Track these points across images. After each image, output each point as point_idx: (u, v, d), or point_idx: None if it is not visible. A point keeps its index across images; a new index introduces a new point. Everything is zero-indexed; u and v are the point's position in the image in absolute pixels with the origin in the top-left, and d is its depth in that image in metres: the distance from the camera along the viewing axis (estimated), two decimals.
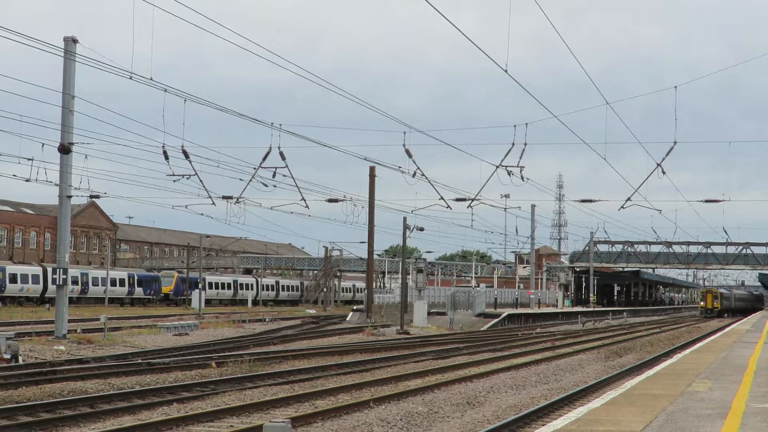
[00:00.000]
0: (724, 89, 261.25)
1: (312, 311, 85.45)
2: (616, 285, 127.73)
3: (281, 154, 33.40)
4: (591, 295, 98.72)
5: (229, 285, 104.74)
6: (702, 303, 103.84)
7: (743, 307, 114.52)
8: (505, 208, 63.10)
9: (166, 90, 28.75)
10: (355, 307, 69.15)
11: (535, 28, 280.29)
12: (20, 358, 26.18)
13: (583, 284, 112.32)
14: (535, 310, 78.81)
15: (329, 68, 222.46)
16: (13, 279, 77.12)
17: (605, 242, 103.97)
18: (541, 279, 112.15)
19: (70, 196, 37.43)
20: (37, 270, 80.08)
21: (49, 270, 72.15)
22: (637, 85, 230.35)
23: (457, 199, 42.23)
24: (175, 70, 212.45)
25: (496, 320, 61.01)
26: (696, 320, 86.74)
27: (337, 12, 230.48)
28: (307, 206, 38.29)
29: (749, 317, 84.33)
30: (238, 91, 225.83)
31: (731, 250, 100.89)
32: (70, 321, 39.17)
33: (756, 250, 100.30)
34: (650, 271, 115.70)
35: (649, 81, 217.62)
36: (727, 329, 50.72)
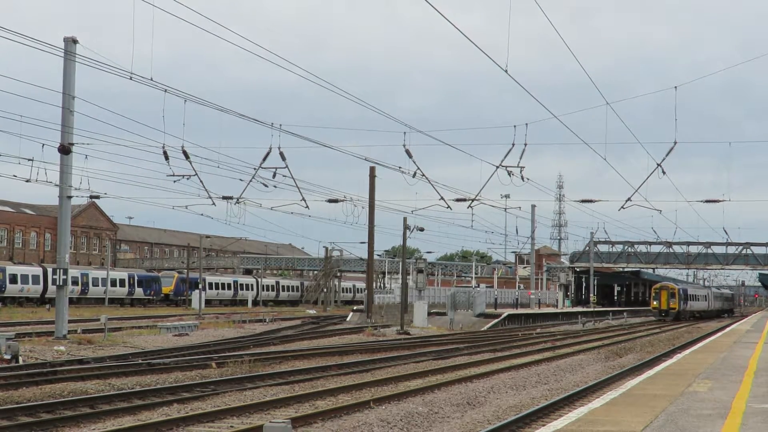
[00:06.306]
0: (732, 89, 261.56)
1: (312, 311, 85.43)
2: (616, 285, 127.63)
3: (281, 154, 33.41)
4: (591, 295, 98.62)
5: (229, 285, 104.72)
6: (655, 303, 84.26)
7: (707, 308, 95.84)
8: (505, 209, 63.22)
9: (166, 90, 28.77)
10: (355, 308, 69.11)
11: (542, 29, 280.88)
12: (20, 359, 26.18)
13: (584, 284, 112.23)
14: (535, 310, 78.80)
15: (334, 69, 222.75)
16: (14, 279, 77.08)
17: (605, 242, 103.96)
18: (542, 279, 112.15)
19: (70, 197, 37.43)
20: (37, 270, 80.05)
21: (49, 270, 72.16)
22: (644, 85, 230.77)
23: (458, 200, 42.25)
24: (179, 71, 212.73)
25: (496, 320, 61.00)
26: (696, 320, 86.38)
27: (341, 13, 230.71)
28: (307, 206, 38.32)
29: (747, 319, 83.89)
30: (242, 92, 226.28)
31: (731, 250, 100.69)
32: (70, 321, 39.18)
33: (756, 250, 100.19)
34: (650, 271, 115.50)
35: (655, 81, 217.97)
36: (728, 329, 50.78)
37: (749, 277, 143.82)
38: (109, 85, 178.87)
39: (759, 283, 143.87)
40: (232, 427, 15.84)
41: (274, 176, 34.84)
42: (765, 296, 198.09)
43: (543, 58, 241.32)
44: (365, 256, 65.21)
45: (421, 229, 59.30)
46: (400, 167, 36.82)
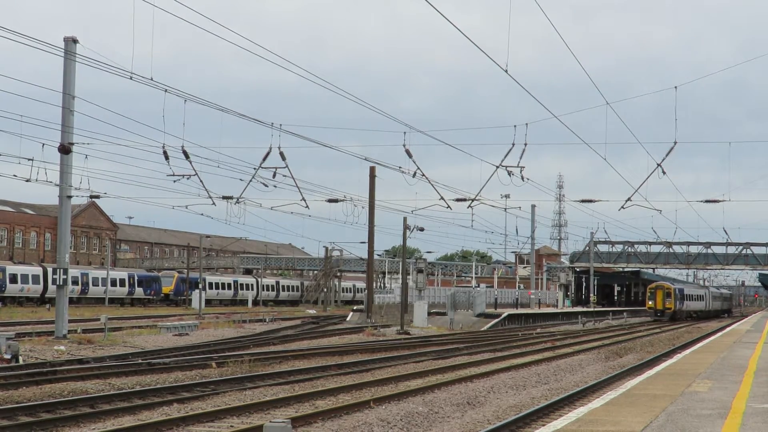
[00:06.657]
0: (732, 89, 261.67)
1: (312, 311, 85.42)
2: (616, 285, 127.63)
3: (281, 154, 33.42)
4: (591, 295, 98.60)
5: (229, 285, 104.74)
6: (651, 303, 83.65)
7: (704, 308, 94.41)
8: (506, 209, 63.18)
9: (166, 90, 28.77)
10: (355, 308, 69.11)
11: (542, 29, 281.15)
12: (20, 359, 26.18)
13: (584, 284, 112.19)
14: (535, 310, 78.80)
15: (335, 69, 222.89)
16: (14, 279, 77.08)
17: (605, 242, 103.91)
18: (542, 279, 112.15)
19: (71, 197, 37.43)
20: (37, 270, 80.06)
21: (50, 270, 72.14)
22: (644, 85, 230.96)
23: (458, 200, 42.25)
24: (179, 71, 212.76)
25: (496, 320, 60.99)
26: (693, 320, 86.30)
27: (341, 13, 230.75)
28: (307, 206, 38.34)
29: (747, 319, 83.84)
30: (242, 92, 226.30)
31: (731, 250, 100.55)
32: (70, 321, 39.18)
33: (756, 250, 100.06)
34: (650, 271, 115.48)
35: (655, 81, 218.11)
36: (727, 329, 50.80)
37: (749, 277, 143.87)
38: (109, 85, 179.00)
39: (759, 283, 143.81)
40: (232, 426, 15.84)
41: (274, 176, 34.88)
42: (765, 296, 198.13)
43: (543, 58, 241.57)
44: (365, 256, 65.20)
45: (421, 229, 59.35)
46: (400, 167, 36.89)
